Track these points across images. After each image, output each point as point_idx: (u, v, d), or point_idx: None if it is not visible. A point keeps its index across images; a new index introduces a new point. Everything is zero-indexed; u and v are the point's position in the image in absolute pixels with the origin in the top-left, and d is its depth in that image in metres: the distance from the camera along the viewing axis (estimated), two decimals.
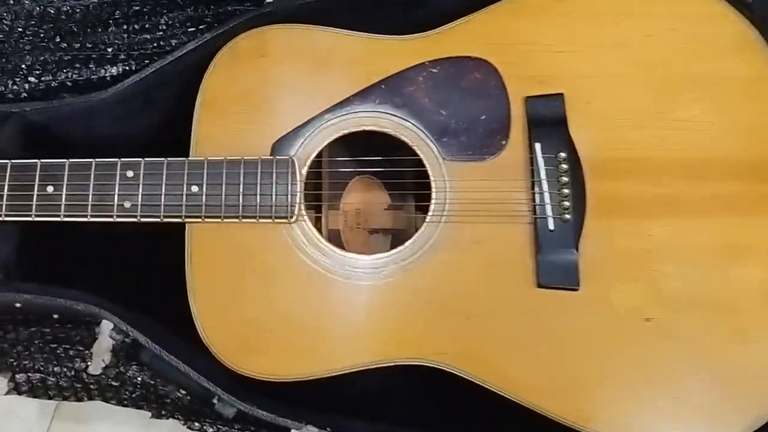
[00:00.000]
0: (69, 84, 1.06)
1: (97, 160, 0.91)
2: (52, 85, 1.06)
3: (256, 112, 0.93)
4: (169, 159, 0.91)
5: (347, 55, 0.95)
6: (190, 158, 0.91)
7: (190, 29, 1.04)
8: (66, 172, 0.90)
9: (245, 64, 0.95)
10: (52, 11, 0.99)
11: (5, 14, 0.98)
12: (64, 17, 0.99)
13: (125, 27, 1.03)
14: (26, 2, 0.97)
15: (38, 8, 0.98)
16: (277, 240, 0.90)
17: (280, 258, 0.89)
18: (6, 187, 0.90)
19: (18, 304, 0.92)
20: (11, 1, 0.97)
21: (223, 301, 0.89)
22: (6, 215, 0.90)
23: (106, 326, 0.98)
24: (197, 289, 0.88)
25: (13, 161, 0.91)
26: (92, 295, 0.92)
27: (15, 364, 1.00)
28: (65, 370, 1.00)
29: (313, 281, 0.89)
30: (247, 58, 0.95)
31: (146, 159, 0.91)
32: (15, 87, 1.05)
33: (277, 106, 0.94)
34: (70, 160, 0.91)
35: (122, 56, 1.05)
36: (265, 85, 0.94)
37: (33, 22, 0.99)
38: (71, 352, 1.00)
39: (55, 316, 0.99)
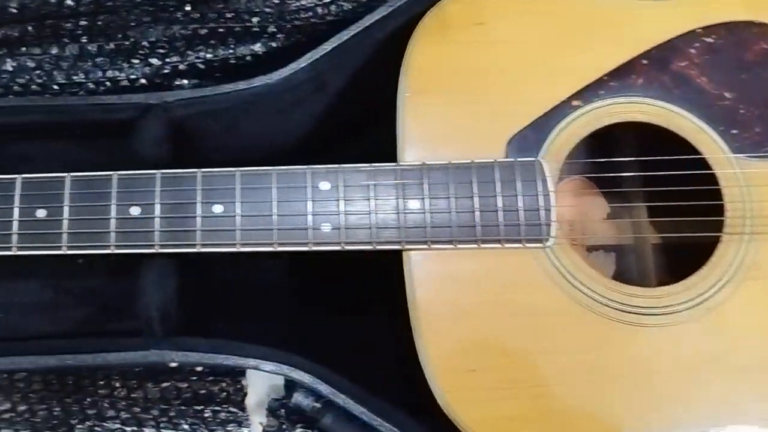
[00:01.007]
0: (201, 67, 0.82)
1: (278, 168, 0.67)
2: (180, 68, 0.81)
3: (477, 100, 0.70)
4: (374, 165, 0.67)
5: (593, 22, 0.73)
6: (400, 163, 0.68)
7: None
8: (238, 186, 0.66)
9: (458, 35, 0.72)
10: None
11: None
12: None
13: None
14: None
15: None
16: (526, 269, 0.67)
17: (533, 293, 0.66)
18: (158, 208, 0.66)
19: (174, 364, 0.68)
20: None
21: (458, 346, 0.66)
22: (162, 245, 0.66)
23: (256, 377, 0.78)
24: (426, 333, 0.65)
25: (163, 172, 0.66)
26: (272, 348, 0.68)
27: None
28: None
29: (581, 324, 0.66)
30: (459, 28, 0.72)
31: (345, 166, 0.67)
32: (132, 71, 0.80)
33: (505, 89, 0.71)
34: (241, 169, 0.67)
35: (271, 29, 0.81)
36: (486, 62, 0.71)
37: None
38: (222, 415, 0.77)
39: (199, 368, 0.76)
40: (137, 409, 0.78)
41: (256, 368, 0.67)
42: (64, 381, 0.79)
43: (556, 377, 0.66)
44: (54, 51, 0.79)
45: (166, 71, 0.81)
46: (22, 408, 0.78)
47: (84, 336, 0.70)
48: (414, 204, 0.67)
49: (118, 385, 0.80)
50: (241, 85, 0.73)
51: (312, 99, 0.78)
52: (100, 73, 0.80)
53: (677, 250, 0.75)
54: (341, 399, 0.66)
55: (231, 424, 0.78)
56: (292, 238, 0.66)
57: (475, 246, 0.67)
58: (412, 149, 0.69)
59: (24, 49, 0.78)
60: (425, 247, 0.67)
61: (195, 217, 0.66)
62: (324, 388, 0.67)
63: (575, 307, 0.66)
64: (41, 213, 0.66)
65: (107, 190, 0.66)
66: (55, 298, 0.73)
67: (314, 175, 0.67)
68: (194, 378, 0.80)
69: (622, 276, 0.77)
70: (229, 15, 0.80)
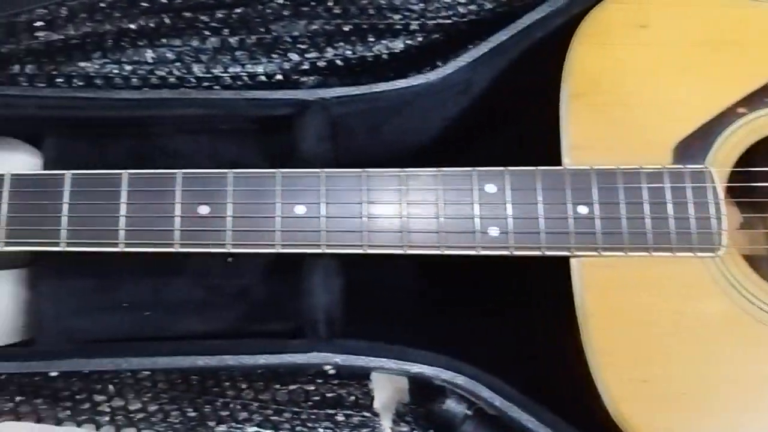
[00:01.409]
0: (339, 63, 0.80)
1: (442, 170, 0.65)
2: (318, 64, 0.80)
3: (641, 103, 0.69)
4: (542, 169, 0.66)
5: (758, 27, 0.71)
6: (569, 167, 0.66)
7: None
8: (402, 186, 0.65)
9: (620, 38, 0.70)
10: None
11: None
12: None
13: None
14: None
15: None
16: (699, 280, 0.65)
17: (704, 305, 0.65)
18: (324, 207, 0.64)
19: (329, 368, 0.67)
20: None
21: (631, 355, 0.64)
22: (329, 245, 0.64)
23: (380, 380, 0.76)
24: (597, 341, 0.64)
25: (329, 171, 0.65)
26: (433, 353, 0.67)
27: None
28: None
29: (752, 334, 0.65)
30: (621, 31, 0.71)
31: (511, 169, 0.66)
32: (271, 65, 0.78)
33: (670, 94, 0.69)
34: (404, 170, 0.65)
35: (413, 27, 0.79)
36: (649, 65, 0.70)
37: None
38: (355, 419, 0.75)
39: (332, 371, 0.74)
40: (269, 412, 0.76)
41: (419, 374, 0.65)
42: (189, 381, 0.77)
43: (725, 388, 0.64)
44: (194, 43, 0.77)
45: (304, 67, 0.80)
46: (152, 408, 0.76)
47: (237, 336, 0.68)
48: (583, 209, 0.66)
49: (244, 386, 0.78)
50: (401, 83, 0.71)
51: (456, 100, 0.76)
52: (238, 68, 0.79)
53: None
54: (508, 407, 0.64)
55: (365, 429, 0.76)
56: (458, 241, 0.65)
57: (646, 254, 0.65)
58: (576, 153, 0.67)
59: (165, 40, 0.76)
60: (595, 254, 0.65)
61: (361, 218, 0.65)
62: (488, 394, 0.65)
63: (744, 316, 0.65)
64: (204, 209, 0.64)
65: (271, 188, 0.65)
66: (205, 297, 0.71)
67: (480, 177, 0.66)
68: (320, 381, 0.78)
69: None
70: (372, 11, 0.78)
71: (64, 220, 0.64)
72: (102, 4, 0.72)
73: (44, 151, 0.73)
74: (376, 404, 0.79)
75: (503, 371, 0.69)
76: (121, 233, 0.64)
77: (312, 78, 0.82)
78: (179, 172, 0.65)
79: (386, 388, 0.80)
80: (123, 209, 0.64)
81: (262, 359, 0.64)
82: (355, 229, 0.64)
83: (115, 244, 0.64)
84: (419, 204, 0.65)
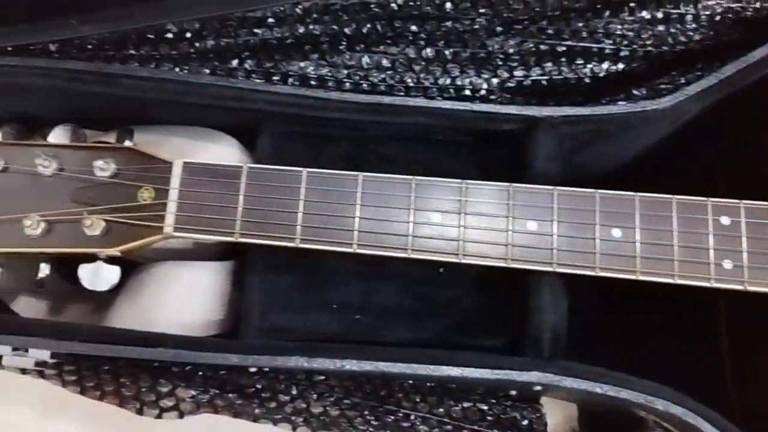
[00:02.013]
0: (544, 83, 0.80)
1: (678, 198, 0.65)
2: (524, 83, 0.80)
3: None
4: None
5: None
6: None
7: (710, 26, 0.78)
8: (637, 211, 0.64)
9: None
10: None
11: None
12: None
13: (642, 14, 0.76)
14: None
15: None
16: None
17: None
18: (556, 225, 0.63)
19: (538, 387, 0.66)
20: None
21: None
22: (559, 264, 0.64)
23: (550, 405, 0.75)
24: None
25: (560, 189, 0.64)
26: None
27: None
28: None
29: None
30: None
31: (747, 203, 0.65)
32: (478, 80, 0.79)
33: None
34: (640, 194, 0.65)
35: (623, 53, 0.79)
36: None
37: None
38: None
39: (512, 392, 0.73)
40: (449, 428, 0.75)
41: (644, 404, 0.64)
42: (363, 389, 0.77)
43: None
44: (410, 52, 0.77)
45: (510, 85, 0.80)
46: (335, 412, 0.75)
47: (444, 347, 0.68)
48: None
49: (417, 399, 0.77)
50: (630, 107, 0.71)
51: (667, 129, 0.76)
52: (447, 80, 0.79)
53: None
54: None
55: None
56: (692, 271, 0.64)
57: None
58: None
59: (382, 47, 0.77)
60: None
61: (594, 239, 0.64)
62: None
63: None
64: (436, 217, 0.64)
65: (505, 202, 0.64)
66: (414, 305, 0.71)
67: (715, 208, 0.65)
68: (493, 401, 0.77)
69: None
70: (585, 35, 0.78)
71: (300, 216, 0.64)
72: (335, 6, 0.72)
73: (258, 146, 0.73)
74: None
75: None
76: (355, 234, 0.64)
77: (508, 96, 0.82)
78: (413, 179, 0.65)
79: (556, 414, 0.80)
80: (357, 210, 0.64)
81: (479, 373, 0.63)
82: (587, 251, 0.64)
83: (350, 245, 0.64)
84: (653, 230, 0.64)
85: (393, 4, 0.73)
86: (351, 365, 0.63)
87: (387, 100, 0.71)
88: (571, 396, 0.76)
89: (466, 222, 0.64)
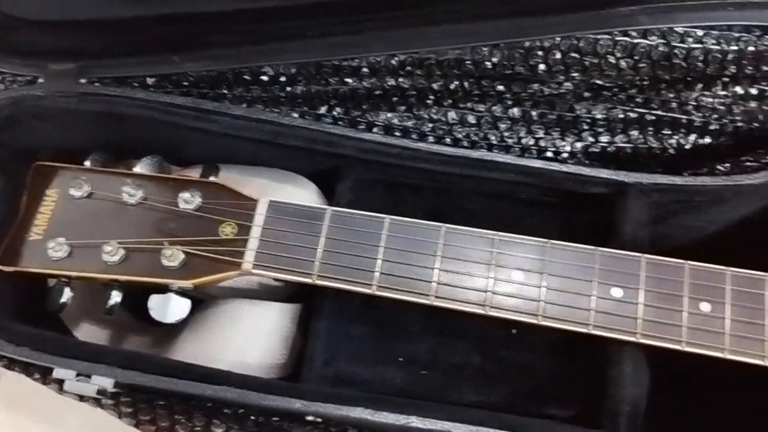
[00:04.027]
0: (628, 151, 0.79)
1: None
2: (608, 150, 0.79)
3: None
4: None
5: None
6: None
7: None
8: (728, 286, 0.62)
9: None
10: (678, 53, 0.72)
11: (617, 48, 0.71)
12: (685, 64, 0.73)
13: (735, 89, 0.75)
14: (653, 38, 0.70)
15: (664, 48, 0.70)
16: None
17: None
18: (643, 293, 0.61)
19: None
20: (634, 33, 0.69)
21: None
22: (644, 335, 0.61)
23: None
24: None
25: (648, 257, 0.62)
26: None
27: None
28: None
29: None
30: None
31: None
32: (563, 143, 0.78)
33: None
34: (733, 269, 0.62)
35: (712, 126, 0.78)
36: None
37: (642, 65, 0.73)
38: None
39: None
40: None
41: None
42: None
43: None
44: (497, 110, 0.77)
45: (594, 150, 0.79)
46: None
47: (511, 412, 0.65)
48: None
49: None
50: (724, 180, 0.69)
51: (758, 204, 0.73)
52: (531, 141, 0.78)
53: None
54: None
55: None
56: (750, 348, 0.61)
57: None
58: None
59: (470, 104, 0.77)
60: None
61: (681, 311, 0.62)
62: None
63: None
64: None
65: (591, 266, 0.63)
66: (484, 365, 0.69)
67: None
68: None
69: None
70: (674, 105, 0.77)
71: (378, 263, 0.63)
72: (431, 61, 0.72)
73: (338, 191, 0.73)
74: None
75: None
76: (433, 286, 0.63)
77: (590, 160, 0.81)
78: (503, 236, 0.64)
79: None
80: (438, 262, 0.63)
81: None
82: (673, 323, 0.61)
83: (426, 296, 0.63)
84: (744, 307, 0.62)
85: (487, 62, 0.73)
86: (417, 422, 0.61)
87: (475, 154, 0.70)
88: None
89: (548, 283, 0.63)
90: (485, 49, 0.72)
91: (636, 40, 0.71)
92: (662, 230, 0.76)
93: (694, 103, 0.77)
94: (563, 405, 0.67)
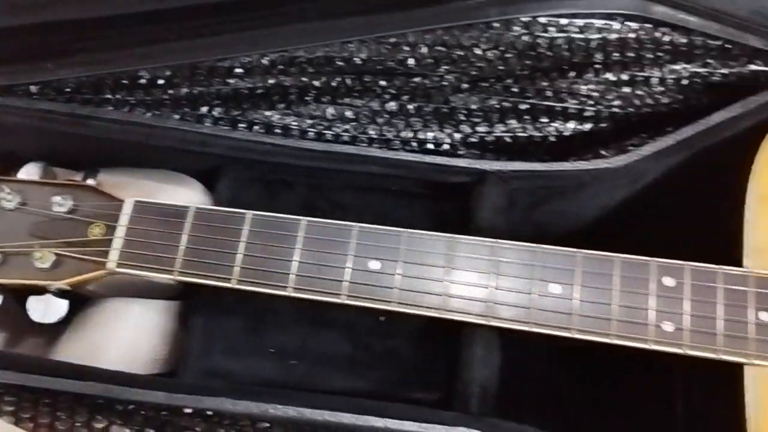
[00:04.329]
0: (507, 140, 0.80)
1: (622, 256, 0.64)
2: (486, 139, 0.80)
3: None
4: (725, 269, 0.63)
5: None
6: (756, 272, 0.63)
7: (677, 89, 0.78)
8: (578, 268, 0.63)
9: None
10: (542, 43, 0.73)
11: (482, 41, 0.72)
12: (550, 53, 0.74)
13: (607, 76, 0.76)
14: (516, 29, 0.72)
15: (528, 38, 0.72)
16: None
17: None
18: (496, 279, 0.63)
19: None
20: (497, 24, 0.71)
21: None
22: (495, 317, 0.63)
23: None
24: None
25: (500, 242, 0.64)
26: None
27: None
28: None
29: None
30: None
31: (692, 264, 0.63)
32: (442, 135, 0.80)
33: None
34: (584, 251, 0.64)
35: (587, 113, 0.79)
36: None
37: (508, 56, 0.74)
38: None
39: None
40: None
41: None
42: None
43: None
44: (374, 105, 0.79)
45: (472, 140, 0.81)
46: None
47: (379, 399, 0.67)
48: (765, 316, 0.62)
49: None
50: (582, 165, 0.70)
51: (626, 188, 0.75)
52: (410, 133, 0.80)
53: None
54: None
55: None
56: (631, 332, 0.62)
57: None
58: (759, 257, 0.64)
59: (347, 99, 0.78)
60: None
61: (529, 294, 0.63)
62: None
63: None
64: (375, 265, 0.65)
65: (440, 252, 0.64)
66: (353, 354, 0.71)
67: (659, 269, 0.64)
68: None
69: None
70: (549, 93, 0.78)
71: (239, 258, 0.65)
72: (301, 59, 0.74)
73: (217, 189, 0.75)
74: None
75: None
76: (292, 278, 0.65)
77: (476, 151, 0.83)
78: (356, 226, 0.66)
79: None
80: (297, 254, 0.65)
81: (409, 426, 0.62)
82: (520, 305, 0.63)
83: (284, 288, 0.65)
84: (591, 288, 0.63)
85: (356, 59, 0.75)
86: (276, 411, 0.63)
87: (339, 148, 0.72)
88: None
89: (404, 270, 0.64)
90: (352, 45, 0.73)
91: (499, 32, 0.72)
92: (539, 217, 0.78)
93: (568, 91, 0.79)
94: (427, 389, 0.68)
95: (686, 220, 0.76)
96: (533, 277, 0.64)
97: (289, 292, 0.65)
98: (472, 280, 0.64)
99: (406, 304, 0.64)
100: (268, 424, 0.71)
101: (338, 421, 0.63)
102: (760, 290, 0.63)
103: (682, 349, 0.62)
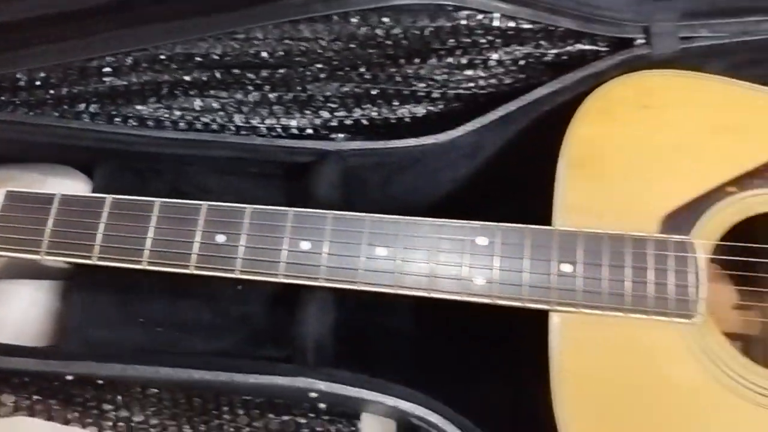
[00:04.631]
0: (365, 123, 0.88)
1: (439, 221, 0.71)
2: (345, 122, 0.88)
3: (636, 176, 0.73)
4: (532, 227, 0.71)
5: (754, 114, 0.75)
6: (558, 228, 0.71)
7: (518, 69, 0.85)
8: (400, 233, 0.71)
9: (623, 115, 0.75)
10: (380, 33, 0.80)
11: (324, 33, 0.80)
12: (390, 42, 0.81)
13: (449, 60, 0.84)
14: (353, 20, 0.79)
15: (366, 29, 0.79)
16: (673, 345, 0.68)
17: (676, 370, 0.67)
18: (327, 245, 0.71)
19: (314, 394, 0.72)
20: (336, 17, 0.78)
21: (599, 416, 0.67)
22: (327, 279, 0.70)
23: (370, 422, 0.80)
24: (566, 398, 0.67)
25: (336, 213, 0.72)
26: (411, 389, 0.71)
27: None
28: None
29: (727, 408, 0.66)
30: (624, 109, 0.76)
31: (504, 225, 0.71)
32: (303, 120, 0.87)
33: (663, 170, 0.73)
34: (406, 218, 0.71)
35: (434, 95, 0.87)
36: (649, 142, 0.74)
37: (352, 46, 0.81)
38: None
39: (322, 405, 0.79)
40: None
41: (395, 407, 0.70)
42: (191, 402, 0.83)
43: None
44: (238, 96, 0.86)
45: (332, 124, 0.88)
46: (154, 421, 0.82)
47: (238, 357, 0.75)
48: (566, 268, 0.70)
49: (241, 412, 0.83)
50: (411, 141, 0.78)
51: (466, 161, 0.83)
52: (274, 120, 0.87)
53: None
54: None
55: None
56: (446, 287, 0.70)
57: (621, 314, 0.68)
58: (566, 216, 0.72)
59: (213, 91, 0.86)
60: (573, 310, 0.69)
61: (358, 257, 0.71)
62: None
63: (715, 385, 0.67)
64: (221, 238, 0.72)
65: (282, 224, 0.72)
66: (213, 319, 0.79)
67: (473, 230, 0.71)
68: (313, 415, 0.83)
69: None
70: (398, 79, 0.86)
71: (99, 237, 0.73)
72: (162, 57, 0.82)
73: (94, 180, 0.83)
74: None
75: (485, 420, 0.73)
76: (146, 253, 0.72)
77: (341, 135, 0.90)
78: (205, 204, 0.73)
79: (375, 429, 0.85)
80: (151, 232, 0.73)
81: (253, 378, 0.70)
82: (351, 267, 0.71)
83: (139, 262, 0.72)
84: (413, 249, 0.71)
85: (214, 55, 0.82)
86: (135, 371, 0.70)
87: (198, 136, 0.80)
88: (380, 411, 0.81)
89: (247, 242, 0.72)
90: (206, 42, 0.81)
91: (340, 25, 0.80)
92: (393, 192, 0.86)
93: (415, 76, 0.86)
94: (278, 347, 0.76)
95: (524, 190, 0.83)
96: (362, 242, 0.71)
97: (144, 266, 0.72)
98: (306, 248, 0.71)
99: (249, 272, 0.72)
100: (156, 390, 0.79)
101: (191, 378, 0.71)
102: (562, 245, 0.71)
103: (492, 300, 0.70)
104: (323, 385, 0.71)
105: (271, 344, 0.77)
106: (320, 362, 0.72)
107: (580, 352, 0.68)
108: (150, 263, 0.72)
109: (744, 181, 0.72)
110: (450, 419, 0.71)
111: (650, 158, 0.74)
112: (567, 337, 0.69)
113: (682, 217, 0.71)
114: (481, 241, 0.71)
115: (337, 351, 0.73)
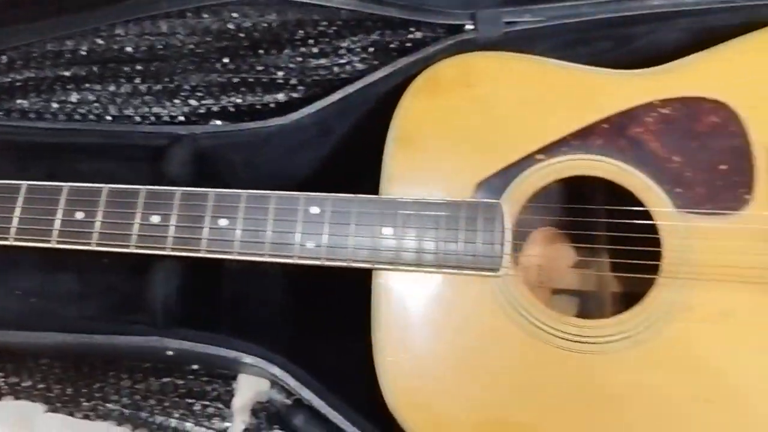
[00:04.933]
0: (231, 109, 0.96)
1: (277, 192, 0.79)
2: (213, 109, 0.96)
3: (455, 149, 0.81)
4: (359, 196, 0.79)
5: (562, 89, 0.83)
6: (382, 197, 0.79)
7: (371, 56, 0.93)
8: (242, 204, 0.79)
9: (446, 94, 0.84)
10: (232, 27, 0.88)
11: (180, 28, 0.88)
12: (243, 35, 0.89)
13: (302, 50, 0.92)
14: (205, 16, 0.87)
15: (218, 24, 0.87)
16: (481, 296, 0.76)
17: (483, 316, 0.76)
18: (175, 218, 0.79)
19: (170, 352, 0.80)
20: (190, 14, 0.86)
21: (412, 361, 0.76)
22: (173, 249, 0.78)
23: (245, 382, 0.87)
24: (384, 345, 0.75)
25: (183, 189, 0.80)
26: (257, 345, 0.80)
27: (148, 419, 0.89)
28: (203, 429, 0.88)
29: (522, 346, 0.75)
30: (448, 88, 0.84)
31: (334, 195, 0.79)
32: (173, 108, 0.95)
33: (481, 142, 0.82)
34: (247, 191, 0.79)
35: (293, 81, 0.95)
36: (468, 118, 0.82)
37: (208, 39, 0.89)
38: (210, 410, 0.88)
39: (195, 366, 0.87)
40: (138, 397, 0.89)
41: (236, 360, 0.78)
42: (80, 369, 0.91)
43: (494, 392, 0.75)
44: (111, 88, 0.94)
45: (201, 111, 0.96)
46: (41, 386, 0.90)
47: (102, 322, 0.83)
48: (387, 231, 0.78)
49: (125, 376, 0.91)
50: (259, 123, 0.86)
51: (319, 142, 0.91)
52: (146, 109, 0.95)
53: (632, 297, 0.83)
54: (307, 393, 0.76)
55: (215, 418, 0.88)
56: (281, 251, 0.78)
57: (435, 270, 0.77)
58: (392, 185, 0.80)
59: (88, 84, 0.94)
60: (392, 267, 0.77)
61: (203, 228, 0.79)
62: (293, 383, 0.77)
63: (514, 328, 0.75)
64: (79, 215, 0.80)
65: (135, 200, 0.80)
66: (83, 290, 0.87)
67: (307, 201, 0.79)
68: (191, 377, 0.91)
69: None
70: (259, 68, 0.94)
71: None
72: (34, 54, 0.90)
73: None
74: (239, 403, 0.91)
75: (327, 374, 0.82)
76: (13, 230, 0.80)
77: (218, 122, 0.98)
78: (66, 185, 0.81)
79: (250, 388, 0.93)
80: (17, 212, 0.80)
81: (110, 339, 0.78)
82: (196, 236, 0.79)
83: (6, 239, 0.80)
84: (253, 219, 0.79)
85: (81, 51, 0.90)
86: (11, 337, 0.78)
87: (69, 125, 0.87)
88: (245, 370, 0.89)
89: (103, 217, 0.80)
90: (72, 40, 0.89)
91: (193, 20, 0.88)
92: (261, 170, 0.94)
93: (274, 65, 0.94)
94: (140, 313, 0.84)
95: (374, 164, 0.91)
96: (206, 214, 0.79)
97: (11, 242, 0.80)
98: (156, 221, 0.79)
99: (104, 244, 0.80)
100: (47, 359, 0.88)
101: (56, 341, 0.79)
102: (384, 211, 0.79)
103: (321, 261, 0.78)
104: (175, 343, 0.79)
105: (134, 311, 0.84)
106: (169, 323, 0.80)
107: (396, 304, 0.77)
108: (16, 239, 0.80)
109: (552, 149, 0.81)
110: (289, 371, 0.78)
111: (468, 132, 0.82)
112: (386, 291, 0.77)
113: (494, 184, 0.80)
114: (314, 210, 0.79)
115: (186, 313, 0.81)
